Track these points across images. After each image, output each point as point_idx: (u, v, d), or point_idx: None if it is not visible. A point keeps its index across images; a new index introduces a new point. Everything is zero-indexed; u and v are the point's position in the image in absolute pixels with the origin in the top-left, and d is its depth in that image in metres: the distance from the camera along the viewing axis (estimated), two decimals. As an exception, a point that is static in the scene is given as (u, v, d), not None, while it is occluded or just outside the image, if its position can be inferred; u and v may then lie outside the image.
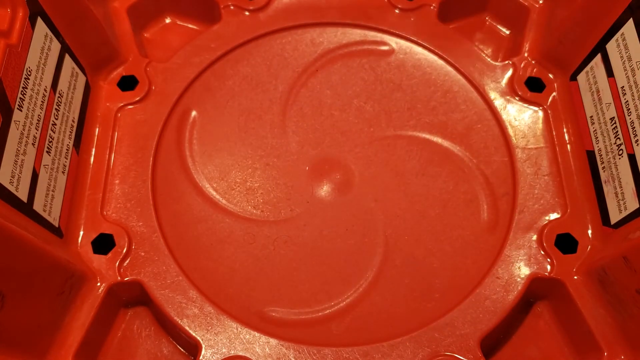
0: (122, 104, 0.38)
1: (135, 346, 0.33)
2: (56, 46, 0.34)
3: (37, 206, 0.31)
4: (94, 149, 0.37)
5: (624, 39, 0.33)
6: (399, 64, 0.40)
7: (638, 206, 0.31)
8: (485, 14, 0.44)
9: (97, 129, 0.37)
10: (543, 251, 0.34)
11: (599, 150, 0.35)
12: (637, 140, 0.32)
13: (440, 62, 0.40)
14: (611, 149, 0.34)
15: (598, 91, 0.35)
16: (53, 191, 0.33)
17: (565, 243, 0.34)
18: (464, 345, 0.31)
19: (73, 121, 0.36)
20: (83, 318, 0.31)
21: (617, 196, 0.33)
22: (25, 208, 0.30)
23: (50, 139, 0.33)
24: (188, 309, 0.32)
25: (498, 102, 0.39)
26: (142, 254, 0.33)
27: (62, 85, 0.35)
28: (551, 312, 0.34)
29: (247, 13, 0.41)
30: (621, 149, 0.33)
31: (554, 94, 0.39)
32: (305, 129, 0.38)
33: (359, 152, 0.38)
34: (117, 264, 0.33)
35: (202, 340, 0.31)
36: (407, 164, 0.37)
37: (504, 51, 0.43)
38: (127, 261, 0.33)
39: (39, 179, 0.31)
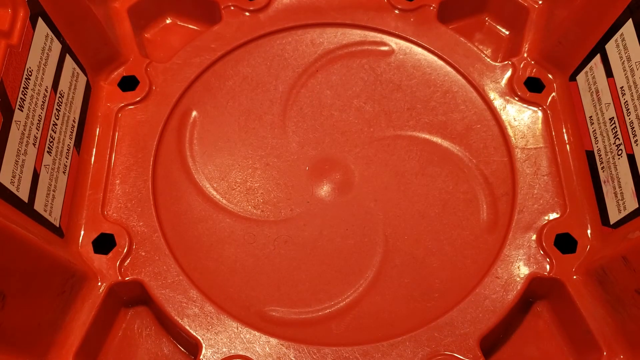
0: (122, 104, 0.38)
1: (136, 346, 0.33)
2: (57, 46, 0.34)
3: (38, 206, 0.31)
4: (94, 149, 0.37)
5: (623, 40, 0.34)
6: (399, 65, 0.41)
7: (637, 206, 0.31)
8: (485, 15, 0.44)
9: (97, 129, 0.37)
10: (542, 251, 0.34)
11: (598, 150, 0.35)
12: (636, 141, 0.32)
13: (440, 62, 0.40)
14: (610, 149, 0.34)
15: (597, 91, 0.36)
16: (54, 191, 0.33)
17: (565, 243, 0.34)
18: (464, 345, 0.31)
19: (74, 121, 0.36)
20: (84, 318, 0.32)
21: (616, 196, 0.33)
22: (26, 208, 0.30)
23: (51, 139, 0.33)
24: (188, 308, 0.32)
25: (497, 102, 0.39)
26: (143, 253, 0.33)
27: (63, 85, 0.35)
28: (550, 312, 0.34)
29: (247, 14, 0.42)
30: (620, 149, 0.33)
31: (554, 94, 0.39)
32: (305, 129, 0.38)
33: (359, 152, 0.38)
34: (118, 263, 0.33)
35: (202, 339, 0.31)
36: (407, 164, 0.37)
37: (504, 51, 0.43)
38: (128, 261, 0.33)
39: (39, 179, 0.31)
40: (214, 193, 0.36)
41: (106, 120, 0.38)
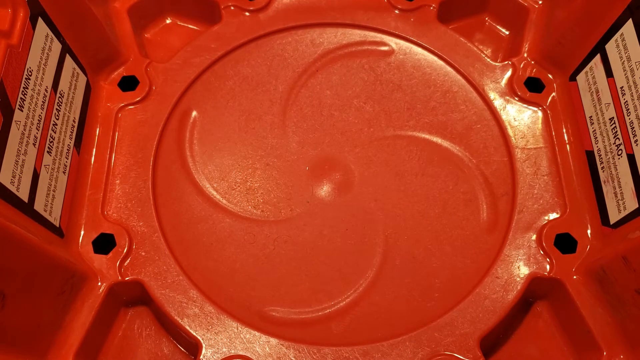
0: (122, 104, 0.38)
1: (136, 346, 0.33)
2: (57, 46, 0.34)
3: (38, 206, 0.31)
4: (94, 149, 0.37)
5: (623, 40, 0.34)
6: (399, 65, 0.41)
7: (637, 206, 0.31)
8: (485, 15, 0.44)
9: (97, 129, 0.37)
10: (542, 251, 0.34)
11: (598, 150, 0.35)
12: (636, 141, 0.32)
13: (440, 62, 0.40)
14: (610, 149, 0.34)
15: (597, 91, 0.36)
16: (54, 191, 0.33)
17: (565, 243, 0.34)
18: (464, 345, 0.31)
19: (74, 121, 0.36)
20: (84, 318, 0.32)
21: (616, 196, 0.33)
22: (26, 208, 0.30)
23: (51, 139, 0.33)
24: (188, 308, 0.32)
25: (497, 102, 0.39)
26: (143, 253, 0.33)
27: (63, 85, 0.35)
28: (550, 312, 0.34)
29: (247, 14, 0.42)
30: (620, 149, 0.33)
31: (554, 94, 0.39)
32: (305, 129, 0.39)
33: (359, 152, 0.38)
34: (118, 263, 0.33)
35: (202, 339, 0.31)
36: (407, 164, 0.37)
37: (504, 51, 0.43)
38: (128, 261, 0.33)
39: (39, 179, 0.31)
40: (214, 193, 0.36)
41: (106, 120, 0.38)
